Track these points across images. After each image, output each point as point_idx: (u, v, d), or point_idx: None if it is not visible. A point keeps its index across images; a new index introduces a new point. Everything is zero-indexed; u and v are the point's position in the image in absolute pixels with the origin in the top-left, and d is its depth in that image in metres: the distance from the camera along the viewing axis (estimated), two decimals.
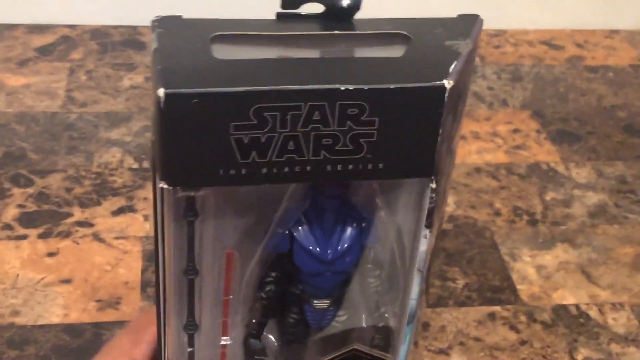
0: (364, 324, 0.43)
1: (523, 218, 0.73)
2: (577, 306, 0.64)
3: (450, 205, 0.74)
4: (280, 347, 0.43)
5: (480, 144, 0.83)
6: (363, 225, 0.40)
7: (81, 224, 0.68)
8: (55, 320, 0.59)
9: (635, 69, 0.99)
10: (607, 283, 0.67)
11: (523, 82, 0.94)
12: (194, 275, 0.39)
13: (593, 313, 0.64)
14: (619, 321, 0.63)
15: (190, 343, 0.41)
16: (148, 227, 0.68)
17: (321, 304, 0.41)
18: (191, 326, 0.40)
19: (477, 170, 0.79)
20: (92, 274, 0.63)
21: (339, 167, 0.34)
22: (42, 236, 0.66)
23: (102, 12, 0.98)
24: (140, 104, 0.84)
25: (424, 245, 0.39)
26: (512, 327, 0.62)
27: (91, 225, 0.68)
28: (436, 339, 0.61)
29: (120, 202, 0.71)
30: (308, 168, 0.34)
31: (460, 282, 0.66)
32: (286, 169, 0.33)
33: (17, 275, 0.63)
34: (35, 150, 0.76)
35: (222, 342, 0.42)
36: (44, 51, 0.92)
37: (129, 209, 0.70)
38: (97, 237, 0.67)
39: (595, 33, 1.07)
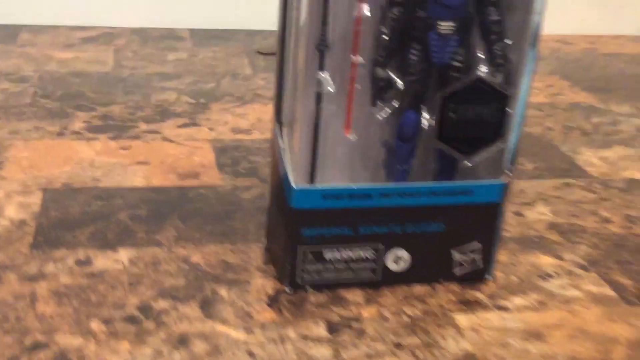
0: (484, 63, 0.44)
1: (575, 131, 0.75)
2: None
3: None
4: (404, 89, 0.44)
5: None
6: None
7: (149, 132, 0.69)
8: (139, 184, 0.59)
9: None
10: None
11: (547, 60, 0.99)
12: None
13: None
14: None
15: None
16: (215, 134, 0.69)
17: (446, 27, 0.42)
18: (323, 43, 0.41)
19: None
20: (168, 159, 0.63)
21: None
22: (112, 138, 0.67)
23: (139, 16, 1.03)
24: (188, 68, 0.87)
25: None
26: (590, 191, 0.63)
27: (159, 132, 0.69)
28: (518, 197, 0.61)
29: (183, 120, 0.72)
30: None
31: (529, 166, 0.67)
32: None
33: (93, 159, 0.62)
34: (93, 91, 0.78)
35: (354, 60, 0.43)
36: (88, 40, 0.95)
37: (193, 124, 0.71)
38: (166, 139, 0.67)
39: (602, 37, 1.13)
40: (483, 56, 0.44)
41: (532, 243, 0.54)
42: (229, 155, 0.65)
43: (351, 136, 0.44)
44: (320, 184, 0.44)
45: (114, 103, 0.75)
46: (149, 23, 1.03)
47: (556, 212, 0.58)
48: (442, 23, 0.42)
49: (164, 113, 0.73)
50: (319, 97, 0.42)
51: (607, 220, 0.58)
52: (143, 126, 0.70)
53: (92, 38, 0.96)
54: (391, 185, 0.45)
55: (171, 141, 0.67)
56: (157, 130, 0.69)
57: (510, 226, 0.56)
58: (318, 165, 0.44)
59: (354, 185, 0.44)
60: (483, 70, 0.44)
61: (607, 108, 0.82)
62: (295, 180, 0.43)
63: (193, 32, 1.01)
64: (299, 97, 0.42)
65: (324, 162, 0.45)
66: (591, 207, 0.60)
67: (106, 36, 0.97)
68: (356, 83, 0.43)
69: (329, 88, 0.42)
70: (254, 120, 0.73)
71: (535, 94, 0.86)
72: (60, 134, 0.67)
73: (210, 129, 0.70)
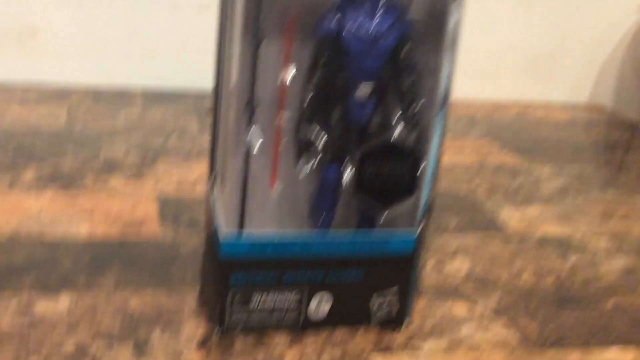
0: (398, 125, 0.49)
1: (500, 190, 0.81)
2: (561, 235, 0.71)
3: None
4: (326, 145, 0.49)
5: (450, 153, 0.91)
6: (400, 14, 0.47)
7: (96, 184, 0.72)
8: (84, 234, 0.62)
9: (573, 122, 1.12)
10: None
11: (480, 124, 1.05)
12: (259, 39, 0.45)
13: (577, 238, 0.70)
14: (600, 243, 0.70)
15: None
16: (160, 187, 0.73)
17: (364, 90, 0.47)
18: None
19: (452, 166, 0.87)
20: (113, 211, 0.67)
21: None
22: (60, 190, 0.70)
23: (94, 75, 1.07)
24: (139, 125, 0.91)
25: (453, 18, 0.46)
26: (507, 245, 0.68)
27: (106, 185, 0.72)
28: (439, 250, 0.65)
29: (130, 174, 0.76)
30: None
31: (453, 222, 0.71)
32: None
33: (41, 211, 0.65)
34: (45, 146, 0.81)
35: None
36: (43, 97, 0.99)
37: (139, 178, 0.75)
38: (113, 192, 0.71)
39: (533, 104, 1.21)
40: (398, 117, 0.49)
41: (449, 292, 0.58)
42: (172, 207, 0.69)
43: (277, 189, 0.49)
44: (248, 234, 0.48)
45: (64, 157, 0.78)
46: (104, 82, 1.07)
47: (474, 264, 0.63)
48: (361, 87, 0.47)
49: (111, 167, 0.77)
50: (248, 152, 0.47)
51: (519, 272, 0.63)
52: (91, 179, 0.73)
53: (47, 95, 1.00)
54: (314, 235, 0.49)
55: (117, 194, 0.71)
56: (104, 183, 0.73)
57: (430, 276, 0.60)
58: (247, 216, 0.49)
59: (278, 235, 0.48)
60: (398, 130, 0.49)
61: (531, 169, 0.88)
62: (226, 230, 0.47)
63: (146, 91, 1.06)
64: (230, 152, 0.47)
65: (254, 213, 0.49)
66: (506, 260, 0.65)
67: (61, 93, 1.01)
68: (283, 139, 0.47)
69: (257, 143, 0.46)
70: (198, 174, 0.77)
71: (467, 154, 0.92)
72: (11, 186, 0.70)
73: (156, 183, 0.74)
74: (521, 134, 1.03)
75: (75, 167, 0.76)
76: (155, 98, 1.03)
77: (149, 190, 0.72)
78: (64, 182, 0.72)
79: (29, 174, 0.73)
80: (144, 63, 1.08)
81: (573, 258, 0.66)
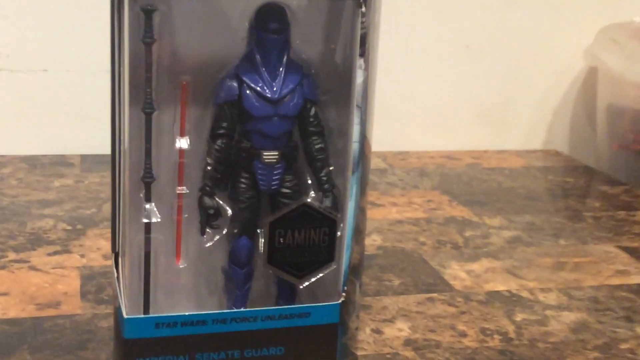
0: (311, 189, 0.46)
1: (447, 245, 0.77)
2: (509, 291, 0.67)
3: (377, 240, 0.78)
4: (234, 216, 0.46)
5: (398, 208, 0.88)
6: (303, 76, 0.45)
7: (16, 261, 0.68)
8: None
9: (528, 168, 1.10)
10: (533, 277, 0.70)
11: (430, 176, 1.03)
12: (151, 111, 0.42)
13: (525, 294, 0.67)
14: (549, 298, 0.66)
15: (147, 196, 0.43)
16: (85, 261, 0.69)
17: (270, 156, 0.44)
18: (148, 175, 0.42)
19: (399, 222, 0.84)
20: (30, 289, 0.63)
21: None
22: None
23: (29, 144, 1.03)
24: (72, 194, 0.87)
25: (359, 78, 0.44)
26: (451, 305, 0.64)
27: (27, 261, 0.68)
28: (379, 313, 0.62)
29: (55, 248, 0.72)
30: None
31: (396, 282, 0.68)
32: None
33: None
34: None
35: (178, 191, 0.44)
36: None
37: (65, 252, 0.71)
38: (33, 268, 0.67)
39: (488, 151, 1.19)
40: (310, 182, 0.46)
41: None
42: (95, 282, 0.64)
43: (182, 265, 0.45)
44: (153, 313, 0.44)
45: None
46: (41, 150, 1.03)
47: (415, 328, 0.59)
48: (266, 153, 0.44)
49: (36, 241, 0.73)
50: (147, 228, 0.43)
51: (462, 334, 0.59)
52: (12, 255, 0.69)
53: None
54: (226, 311, 0.46)
55: (37, 270, 0.66)
56: (25, 259, 0.68)
57: (366, 344, 0.56)
58: (153, 294, 0.45)
59: (186, 313, 0.44)
60: (311, 195, 0.46)
61: (480, 221, 0.85)
62: (128, 309, 0.44)
63: (84, 157, 1.02)
64: (127, 228, 0.43)
65: (161, 291, 0.45)
66: (450, 321, 0.61)
67: None
68: (184, 215, 0.44)
69: (155, 219, 0.43)
70: None
71: (414, 209, 0.89)
72: None
73: (82, 256, 0.70)
74: (472, 185, 1.00)
75: None
76: (93, 164, 0.99)
77: (73, 265, 0.68)
78: None
79: None
80: (82, 129, 1.05)
81: (520, 315, 0.63)
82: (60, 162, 1.00)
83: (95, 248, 0.72)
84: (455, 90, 1.18)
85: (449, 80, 1.18)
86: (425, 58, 1.16)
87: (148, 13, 0.42)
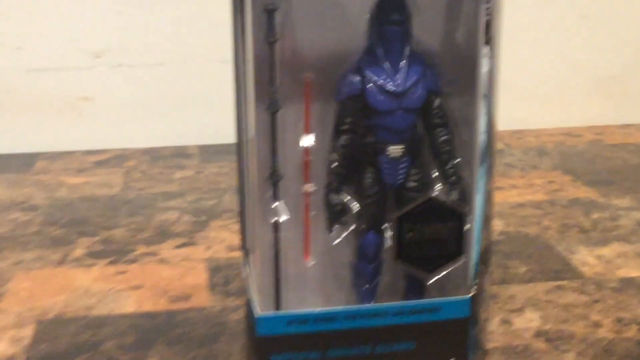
0: (437, 182, 0.45)
1: (573, 229, 0.75)
2: None
3: (499, 225, 0.76)
4: (360, 212, 0.45)
5: (519, 190, 0.86)
6: (426, 68, 0.44)
7: (147, 254, 0.70)
8: (130, 310, 0.60)
9: None
10: None
11: (550, 155, 1.00)
12: (276, 109, 0.42)
13: None
14: None
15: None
16: (211, 253, 0.70)
17: (395, 150, 0.44)
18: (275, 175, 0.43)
19: (521, 205, 0.82)
20: (161, 282, 0.65)
21: None
22: (110, 263, 0.68)
23: (150, 136, 1.07)
24: (193, 186, 0.89)
25: (485, 67, 0.42)
26: (583, 293, 0.62)
27: (156, 254, 0.70)
28: (507, 303, 0.60)
29: (182, 240, 0.74)
30: None
31: (522, 269, 0.66)
32: None
33: (89, 287, 0.64)
34: (98, 215, 0.80)
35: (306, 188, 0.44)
36: (100, 164, 0.99)
37: (190, 244, 0.73)
38: (163, 261, 0.69)
39: (610, 126, 1.14)
40: (436, 175, 0.45)
41: (517, 353, 0.53)
42: (222, 274, 0.66)
43: (311, 262, 0.45)
44: (285, 310, 0.45)
45: (116, 227, 0.77)
46: (160, 142, 1.07)
47: (545, 318, 0.58)
48: (391, 147, 0.44)
49: (163, 234, 0.75)
50: (276, 226, 0.44)
51: (597, 325, 0.57)
52: (142, 249, 0.72)
53: (104, 161, 1.00)
54: (356, 307, 0.45)
55: (167, 263, 0.69)
56: (155, 252, 0.71)
57: (496, 335, 0.55)
58: (284, 291, 0.45)
59: (317, 310, 0.44)
60: (437, 188, 0.45)
61: (607, 202, 0.82)
62: (260, 307, 0.44)
63: (202, 148, 1.05)
64: (257, 226, 0.44)
65: (291, 288, 0.46)
66: (582, 310, 0.59)
67: (118, 158, 1.01)
68: (311, 212, 0.44)
69: (284, 216, 0.43)
70: None
71: (536, 191, 0.86)
72: (60, 262, 0.69)
73: (207, 248, 0.72)
74: (596, 163, 0.96)
75: (127, 237, 0.74)
76: (211, 154, 1.01)
77: (200, 257, 0.69)
78: (115, 255, 0.70)
79: (80, 249, 0.72)
80: (200, 120, 1.07)
81: None
82: (180, 154, 1.03)
83: (220, 240, 0.74)
84: (573, 62, 1.14)
85: (566, 52, 1.13)
86: (541, 30, 1.12)
87: (270, 12, 0.42)
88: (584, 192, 0.85)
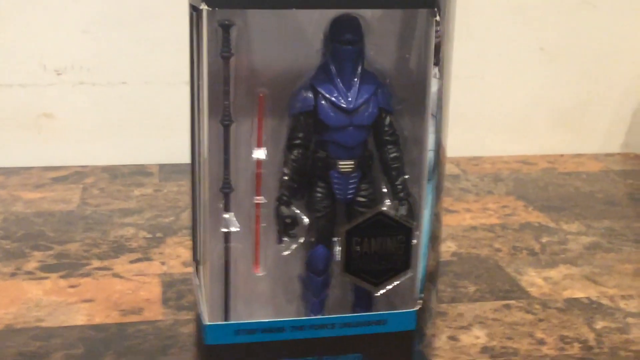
0: (386, 198, 0.47)
1: (523, 251, 0.77)
2: (588, 298, 0.66)
3: (452, 247, 0.77)
4: (311, 225, 0.46)
5: (473, 214, 0.88)
6: (378, 86, 0.45)
7: (100, 269, 0.70)
8: (80, 323, 0.60)
9: (606, 172, 1.08)
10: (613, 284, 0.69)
11: (505, 182, 1.02)
12: (229, 122, 0.43)
13: (605, 301, 0.65)
14: (630, 305, 0.65)
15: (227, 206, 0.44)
16: (165, 269, 0.71)
17: (346, 165, 0.45)
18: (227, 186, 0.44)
19: (474, 228, 0.83)
20: (114, 296, 0.65)
21: None
22: (62, 277, 0.68)
23: (109, 154, 1.07)
24: (151, 203, 0.90)
25: (434, 86, 0.44)
26: (529, 312, 0.63)
27: (110, 269, 0.70)
28: (455, 320, 0.61)
29: (137, 255, 0.74)
30: None
31: (471, 288, 0.68)
32: None
33: (41, 299, 0.64)
34: (54, 230, 0.80)
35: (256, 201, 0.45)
36: (58, 180, 0.99)
37: (145, 259, 0.73)
38: (116, 275, 0.69)
39: (564, 155, 1.16)
40: (385, 190, 0.46)
41: None
42: (175, 289, 0.66)
43: (260, 274, 0.46)
44: (232, 320, 0.45)
45: (71, 241, 0.77)
46: (120, 160, 1.07)
47: (491, 336, 0.59)
48: (342, 162, 0.45)
49: (118, 249, 0.75)
50: (227, 237, 0.44)
51: (541, 342, 0.58)
52: (96, 263, 0.72)
53: (63, 177, 1.00)
54: (304, 318, 0.46)
55: (120, 277, 0.69)
56: (109, 267, 0.71)
57: (442, 351, 0.56)
58: (233, 301, 0.46)
59: (265, 320, 0.45)
60: (387, 203, 0.46)
61: (557, 227, 0.84)
62: (209, 316, 0.45)
63: (162, 167, 1.05)
64: (208, 237, 0.44)
65: (241, 299, 0.46)
66: (527, 329, 0.60)
67: (76, 175, 1.01)
68: (261, 224, 0.45)
69: (234, 228, 0.44)
70: None
71: (489, 215, 0.88)
72: (12, 275, 0.69)
73: (162, 263, 0.72)
74: (549, 190, 0.99)
75: (81, 252, 0.74)
76: (171, 173, 1.02)
77: (154, 273, 0.70)
78: (68, 268, 0.70)
79: (33, 262, 0.71)
80: (161, 139, 1.07)
81: (601, 323, 0.62)
82: (139, 172, 1.03)
83: (175, 255, 0.74)
84: (530, 94, 1.17)
85: (524, 84, 1.16)
86: (499, 62, 1.14)
87: (225, 28, 0.43)
88: (535, 217, 0.87)
